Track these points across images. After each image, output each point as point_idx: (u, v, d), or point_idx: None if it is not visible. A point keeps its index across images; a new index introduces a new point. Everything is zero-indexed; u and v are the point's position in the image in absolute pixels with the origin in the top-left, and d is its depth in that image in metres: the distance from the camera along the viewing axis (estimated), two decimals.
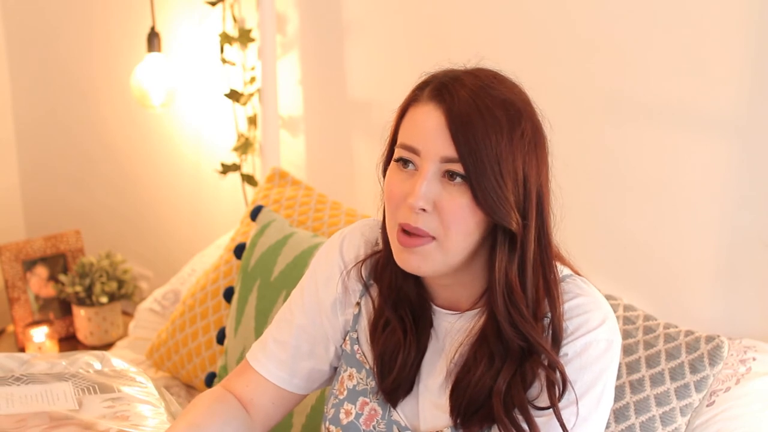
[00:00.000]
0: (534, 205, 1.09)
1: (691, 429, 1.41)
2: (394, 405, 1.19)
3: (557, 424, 1.08)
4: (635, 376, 1.41)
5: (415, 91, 1.12)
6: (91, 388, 1.45)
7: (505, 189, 1.05)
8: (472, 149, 1.04)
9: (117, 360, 1.58)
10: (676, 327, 1.46)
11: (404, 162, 1.09)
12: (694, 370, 1.38)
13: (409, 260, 1.09)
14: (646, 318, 1.49)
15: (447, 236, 1.07)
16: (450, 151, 1.05)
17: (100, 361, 1.56)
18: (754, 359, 1.52)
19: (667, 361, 1.41)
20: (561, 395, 1.09)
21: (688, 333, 1.43)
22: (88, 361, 1.55)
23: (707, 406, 1.45)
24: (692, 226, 1.69)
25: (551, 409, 1.08)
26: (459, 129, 1.05)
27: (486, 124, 1.05)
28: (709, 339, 1.40)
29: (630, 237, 1.78)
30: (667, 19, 1.66)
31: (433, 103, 1.08)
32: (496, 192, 1.05)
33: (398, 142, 1.11)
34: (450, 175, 1.06)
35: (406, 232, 1.09)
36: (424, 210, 1.07)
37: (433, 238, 1.07)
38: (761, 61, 1.57)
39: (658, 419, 1.38)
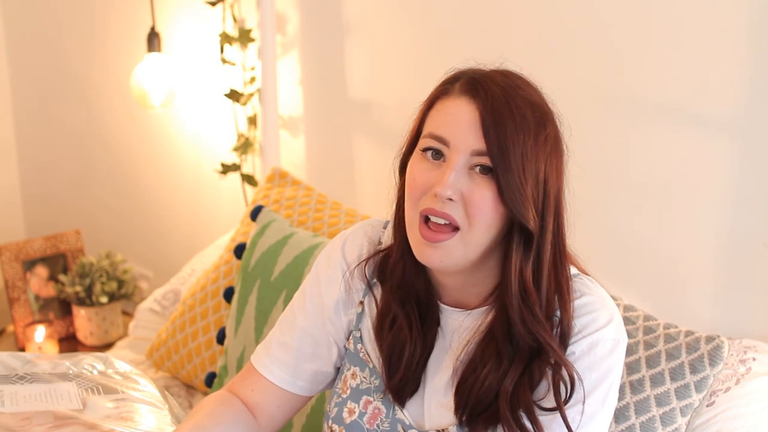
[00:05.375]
0: (552, 207, 1.11)
1: (691, 429, 1.41)
2: (402, 404, 1.19)
3: (562, 423, 1.09)
4: (635, 376, 1.41)
5: (445, 84, 1.13)
6: (95, 388, 1.45)
7: (526, 187, 1.07)
8: (502, 145, 1.06)
9: (120, 362, 1.58)
10: (676, 327, 1.46)
11: (432, 153, 1.10)
12: (694, 370, 1.38)
13: (432, 254, 1.10)
14: (646, 318, 1.49)
15: (471, 227, 1.08)
16: (480, 144, 1.07)
17: (103, 363, 1.56)
18: (754, 359, 1.52)
19: (667, 361, 1.41)
20: (569, 396, 1.09)
21: (688, 333, 1.43)
22: (91, 362, 1.55)
23: (707, 406, 1.45)
24: (692, 226, 1.70)
25: (562, 421, 1.09)
26: (491, 124, 1.07)
27: (515, 122, 1.07)
28: (709, 339, 1.40)
29: (630, 237, 1.78)
30: (667, 19, 1.66)
31: (466, 97, 1.09)
32: (518, 189, 1.07)
33: (426, 132, 1.12)
34: (478, 168, 1.08)
35: (428, 220, 1.09)
36: (451, 200, 1.08)
37: (457, 228, 1.08)
38: (761, 61, 1.57)
39: (658, 419, 1.38)
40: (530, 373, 1.11)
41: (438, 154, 1.10)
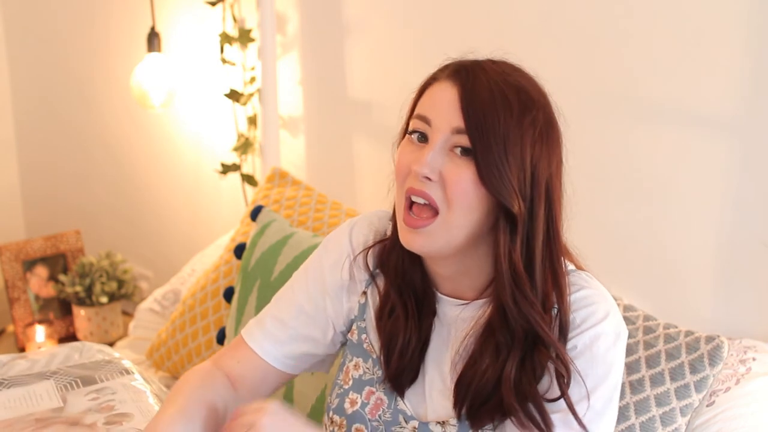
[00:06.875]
0: (543, 195, 1.10)
1: (691, 429, 1.41)
2: (401, 394, 1.19)
3: (572, 419, 1.08)
4: (635, 376, 1.41)
5: (436, 72, 1.15)
6: (73, 383, 1.45)
7: (508, 170, 1.07)
8: (480, 123, 1.07)
9: (97, 347, 1.58)
10: (676, 327, 1.46)
11: (417, 136, 1.12)
12: (694, 370, 1.38)
13: (414, 240, 1.11)
14: (646, 318, 1.49)
15: (450, 210, 1.08)
16: (459, 121, 1.08)
17: (80, 353, 1.55)
18: (754, 359, 1.52)
19: (667, 361, 1.41)
20: (568, 383, 1.09)
21: (688, 333, 1.43)
22: (68, 354, 1.55)
23: (707, 406, 1.45)
24: (692, 225, 1.70)
25: (564, 403, 1.08)
26: (469, 103, 1.08)
27: (496, 103, 1.07)
28: (709, 339, 1.40)
29: (630, 237, 1.78)
30: (667, 18, 1.66)
31: (450, 80, 1.11)
32: (498, 170, 1.06)
33: (413, 114, 1.14)
34: (458, 150, 1.08)
35: (412, 206, 1.10)
36: (429, 179, 1.08)
37: (437, 212, 1.09)
38: (761, 61, 1.57)
39: (658, 419, 1.38)
40: (532, 365, 1.10)
41: (423, 137, 1.11)
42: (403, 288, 1.20)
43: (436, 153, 1.08)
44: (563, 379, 1.09)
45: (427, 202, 1.09)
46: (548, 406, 1.09)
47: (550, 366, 1.09)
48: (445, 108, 1.09)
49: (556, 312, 1.11)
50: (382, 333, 1.21)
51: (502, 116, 1.07)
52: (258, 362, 1.26)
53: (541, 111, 1.10)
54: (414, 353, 1.18)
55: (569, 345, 1.10)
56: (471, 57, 1.15)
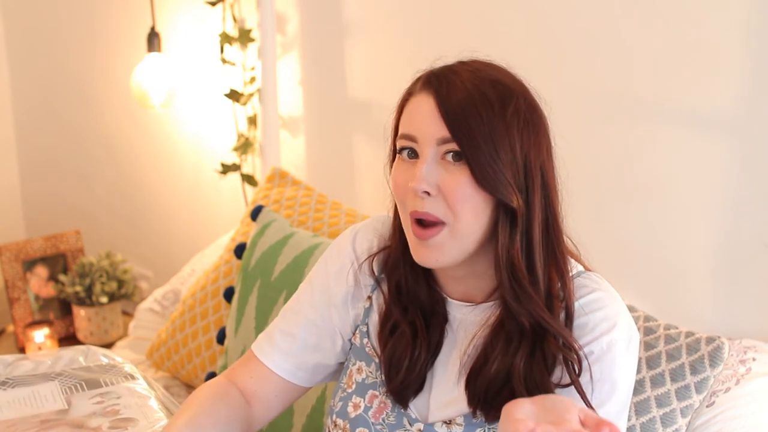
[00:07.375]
0: (538, 182, 1.09)
1: (691, 430, 1.41)
2: (405, 406, 1.19)
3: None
4: (636, 377, 1.41)
5: (410, 87, 1.15)
6: (78, 385, 1.45)
7: (501, 165, 1.06)
8: (463, 127, 1.06)
9: (102, 351, 1.57)
10: (677, 328, 1.45)
11: (407, 153, 1.11)
12: (694, 371, 1.38)
13: (426, 255, 1.10)
14: (647, 319, 1.49)
15: (456, 219, 1.08)
16: (444, 131, 1.07)
17: (84, 356, 1.55)
18: (753, 359, 1.52)
19: (667, 362, 1.40)
20: (579, 371, 1.09)
21: (689, 334, 1.43)
22: (72, 357, 1.55)
23: (707, 406, 1.45)
24: (692, 226, 1.70)
25: (579, 396, 1.08)
26: (449, 109, 1.07)
27: (475, 102, 1.07)
28: (710, 340, 1.40)
29: (630, 237, 1.78)
30: (667, 18, 1.66)
31: (424, 92, 1.11)
32: (492, 167, 1.06)
33: (398, 134, 1.13)
34: (449, 156, 1.08)
35: (419, 222, 1.09)
36: (428, 194, 1.08)
37: (444, 223, 1.08)
38: (761, 61, 1.57)
39: (658, 420, 1.38)
40: (542, 355, 1.10)
41: (413, 153, 1.11)
42: (409, 306, 1.19)
43: (429, 166, 1.08)
44: (572, 365, 1.09)
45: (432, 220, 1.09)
46: (558, 388, 1.09)
47: (559, 356, 1.09)
48: (426, 121, 1.09)
49: (562, 297, 1.11)
50: (383, 348, 1.20)
51: (483, 114, 1.07)
52: (270, 376, 1.26)
53: (521, 98, 1.10)
54: (422, 367, 1.18)
55: (586, 350, 1.10)
56: (440, 63, 1.15)
